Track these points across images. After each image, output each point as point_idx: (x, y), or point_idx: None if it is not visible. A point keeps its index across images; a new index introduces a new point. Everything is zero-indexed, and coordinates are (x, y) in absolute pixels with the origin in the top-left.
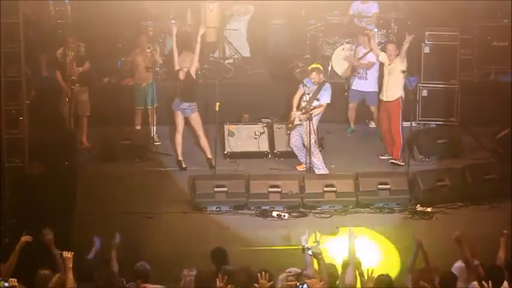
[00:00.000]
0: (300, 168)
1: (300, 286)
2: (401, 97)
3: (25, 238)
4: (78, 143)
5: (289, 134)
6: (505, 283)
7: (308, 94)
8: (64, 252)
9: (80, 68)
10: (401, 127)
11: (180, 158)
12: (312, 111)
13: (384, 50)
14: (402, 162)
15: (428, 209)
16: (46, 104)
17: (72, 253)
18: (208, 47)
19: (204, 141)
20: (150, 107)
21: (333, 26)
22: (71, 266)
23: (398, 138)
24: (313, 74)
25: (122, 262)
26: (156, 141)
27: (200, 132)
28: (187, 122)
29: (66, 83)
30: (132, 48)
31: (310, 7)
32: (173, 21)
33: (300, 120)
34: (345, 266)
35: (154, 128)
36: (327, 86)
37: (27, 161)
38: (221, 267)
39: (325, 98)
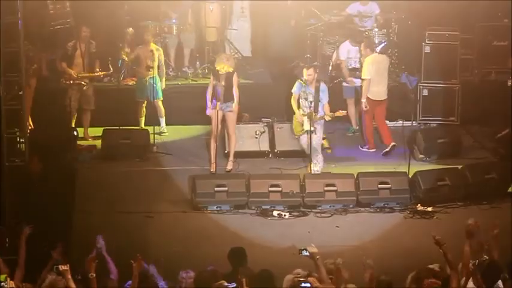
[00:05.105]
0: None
1: (303, 284)
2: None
3: (26, 230)
4: (79, 142)
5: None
6: (499, 282)
7: (305, 99)
8: (60, 266)
9: (99, 70)
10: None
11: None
12: (328, 117)
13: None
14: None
15: (429, 209)
16: (46, 104)
17: (68, 265)
18: (208, 46)
19: (233, 142)
20: (156, 99)
21: (333, 25)
22: (69, 277)
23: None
24: (311, 70)
25: (121, 262)
26: (164, 132)
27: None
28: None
29: (75, 76)
30: (137, 44)
31: (310, 7)
32: (174, 20)
33: (313, 127)
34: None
35: (163, 119)
36: (324, 86)
37: (27, 160)
38: (238, 267)
39: (325, 98)
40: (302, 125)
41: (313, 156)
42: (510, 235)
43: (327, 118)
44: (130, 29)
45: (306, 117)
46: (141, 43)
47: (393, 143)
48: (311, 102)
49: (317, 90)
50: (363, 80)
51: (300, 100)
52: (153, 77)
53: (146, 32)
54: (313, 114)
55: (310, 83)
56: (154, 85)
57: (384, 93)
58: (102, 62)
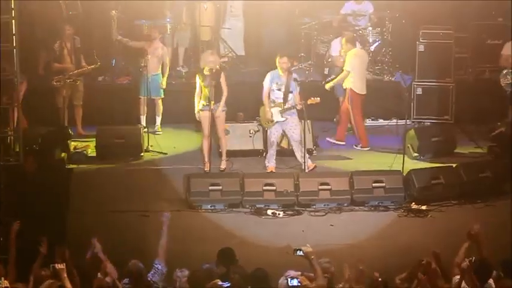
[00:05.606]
0: (273, 170)
1: (291, 281)
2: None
3: (15, 226)
4: (73, 141)
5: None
6: (490, 281)
7: (278, 90)
8: (56, 264)
9: (85, 64)
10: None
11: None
12: (299, 105)
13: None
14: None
15: (423, 207)
16: (40, 103)
17: (65, 264)
18: (202, 45)
19: (224, 142)
20: (157, 97)
21: (327, 24)
22: (65, 276)
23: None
24: (285, 58)
25: (117, 261)
26: (158, 132)
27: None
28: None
29: (71, 72)
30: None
31: (304, 5)
32: (168, 20)
33: (282, 117)
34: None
35: (159, 118)
36: (296, 77)
37: (21, 160)
38: (229, 267)
39: (297, 88)
40: (272, 116)
41: (298, 150)
42: (506, 233)
43: (298, 107)
44: (114, 11)
45: (277, 108)
46: (148, 38)
47: None
48: (283, 92)
49: (289, 80)
50: (343, 70)
51: (271, 92)
52: (157, 74)
53: (153, 29)
54: (283, 104)
55: (285, 71)
56: (157, 83)
57: (365, 88)
58: (91, 57)
